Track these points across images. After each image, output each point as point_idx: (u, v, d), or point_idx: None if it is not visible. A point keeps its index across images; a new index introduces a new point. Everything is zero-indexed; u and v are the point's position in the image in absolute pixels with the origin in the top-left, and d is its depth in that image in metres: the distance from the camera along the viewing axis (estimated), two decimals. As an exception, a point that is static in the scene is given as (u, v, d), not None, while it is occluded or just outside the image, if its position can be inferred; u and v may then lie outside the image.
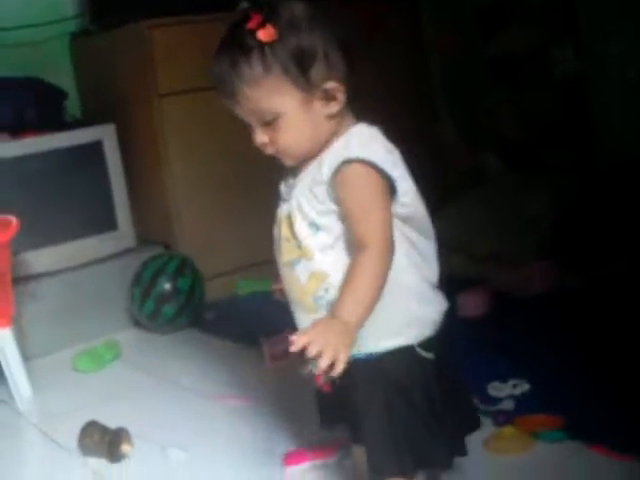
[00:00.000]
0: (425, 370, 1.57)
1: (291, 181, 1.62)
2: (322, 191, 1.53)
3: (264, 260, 1.67)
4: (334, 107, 1.54)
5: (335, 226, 1.54)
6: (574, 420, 2.05)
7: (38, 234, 3.13)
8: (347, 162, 1.49)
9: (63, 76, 3.68)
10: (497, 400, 2.24)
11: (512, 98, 3.88)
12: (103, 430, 2.29)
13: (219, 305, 3.37)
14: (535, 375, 2.32)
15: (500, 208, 3.45)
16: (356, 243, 1.50)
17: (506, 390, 2.28)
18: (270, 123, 1.54)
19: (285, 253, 1.61)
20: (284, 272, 1.63)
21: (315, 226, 1.56)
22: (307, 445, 2.11)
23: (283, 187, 1.64)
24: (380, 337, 1.56)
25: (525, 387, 2.28)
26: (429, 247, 1.60)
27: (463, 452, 1.65)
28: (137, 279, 3.19)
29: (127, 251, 3.41)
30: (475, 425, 1.73)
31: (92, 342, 3.12)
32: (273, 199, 1.67)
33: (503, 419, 2.11)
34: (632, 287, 2.83)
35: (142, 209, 3.49)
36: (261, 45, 1.49)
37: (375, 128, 1.60)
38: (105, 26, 3.53)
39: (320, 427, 1.78)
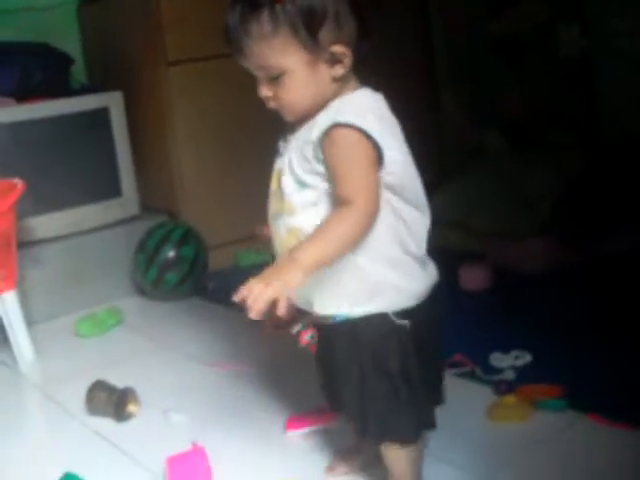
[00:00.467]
0: (401, 338, 1.58)
1: (288, 137, 1.64)
2: (310, 151, 1.55)
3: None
4: (339, 70, 1.56)
5: (320, 185, 1.56)
6: (574, 390, 2.07)
7: (43, 200, 3.13)
8: (336, 126, 1.51)
9: (70, 42, 3.66)
10: (498, 370, 2.26)
11: (517, 75, 3.87)
12: (110, 390, 2.30)
13: (221, 275, 3.37)
14: (536, 346, 2.33)
15: (503, 185, 3.46)
16: (340, 203, 1.52)
17: (508, 361, 2.29)
18: (275, 79, 1.56)
19: (272, 205, 1.65)
20: (270, 224, 1.67)
21: (301, 183, 1.58)
22: (308, 410, 2.13)
23: (281, 143, 1.66)
24: (354, 302, 1.58)
25: (527, 358, 2.30)
26: (419, 219, 1.61)
27: (432, 425, 1.66)
28: (141, 246, 3.20)
29: (131, 218, 3.41)
30: (440, 400, 1.73)
31: (94, 308, 3.13)
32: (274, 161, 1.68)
33: (504, 388, 2.12)
34: (634, 263, 2.85)
35: (147, 177, 3.48)
36: (272, 3, 1.50)
37: (377, 95, 1.62)
38: (113, -8, 3.52)
39: (321, 391, 1.80)
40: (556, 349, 2.32)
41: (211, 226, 3.41)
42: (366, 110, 1.53)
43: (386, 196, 1.54)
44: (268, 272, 1.47)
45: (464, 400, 1.99)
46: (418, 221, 1.60)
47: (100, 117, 3.30)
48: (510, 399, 2.07)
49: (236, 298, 1.45)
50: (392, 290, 1.58)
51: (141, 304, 3.30)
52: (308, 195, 1.57)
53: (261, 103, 1.66)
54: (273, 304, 1.43)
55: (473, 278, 2.89)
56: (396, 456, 1.67)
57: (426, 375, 1.62)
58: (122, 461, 2.07)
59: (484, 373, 2.24)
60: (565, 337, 2.39)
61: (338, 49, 1.53)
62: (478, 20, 3.96)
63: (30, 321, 2.88)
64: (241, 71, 1.64)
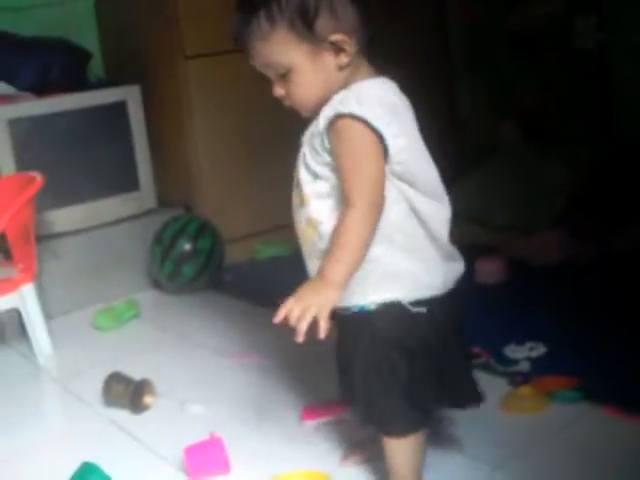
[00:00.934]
0: (416, 328, 1.60)
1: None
2: (318, 142, 1.57)
3: (284, 224, 1.70)
4: (343, 58, 1.57)
5: (331, 176, 1.58)
6: (589, 381, 2.07)
7: (61, 193, 3.16)
8: (340, 116, 1.52)
9: (88, 36, 3.68)
10: (513, 362, 2.26)
11: (533, 68, 3.86)
12: (127, 381, 2.32)
13: (238, 268, 3.39)
14: (551, 338, 2.34)
15: (518, 178, 3.46)
16: (344, 199, 1.53)
17: (523, 352, 2.30)
18: (284, 76, 1.59)
19: (294, 197, 1.67)
20: (294, 216, 1.69)
21: (314, 174, 1.61)
22: (323, 401, 2.14)
23: (303, 137, 1.68)
24: (367, 291, 1.60)
25: (541, 350, 2.30)
26: (435, 209, 1.61)
27: (426, 424, 1.67)
28: (158, 239, 3.21)
29: (148, 212, 3.43)
30: (473, 400, 1.74)
31: (112, 302, 3.16)
32: (295, 164, 1.69)
33: (520, 379, 2.13)
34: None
35: (164, 171, 3.50)
36: (267, 1, 1.54)
37: (388, 83, 1.62)
38: (130, -14, 3.54)
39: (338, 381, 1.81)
40: (571, 340, 2.33)
41: (228, 219, 3.42)
42: (371, 99, 1.54)
43: (399, 186, 1.56)
44: (304, 292, 1.50)
45: (479, 391, 2.00)
46: (434, 211, 1.61)
47: (118, 111, 3.32)
48: (525, 390, 2.07)
49: (276, 320, 1.48)
50: (407, 279, 1.59)
51: (158, 297, 3.32)
52: (321, 186, 1.60)
53: (278, 98, 1.68)
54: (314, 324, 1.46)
55: (488, 271, 2.89)
56: (393, 447, 1.68)
57: (440, 372, 1.64)
58: (140, 451, 2.09)
59: (499, 364, 2.25)
60: (579, 329, 2.40)
61: (338, 37, 1.55)
62: (495, 13, 3.96)
63: (48, 314, 2.91)
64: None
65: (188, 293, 3.24)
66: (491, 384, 2.13)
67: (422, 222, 1.59)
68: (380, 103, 1.54)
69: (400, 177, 1.55)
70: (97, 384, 2.37)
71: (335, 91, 1.58)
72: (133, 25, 3.57)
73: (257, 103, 3.31)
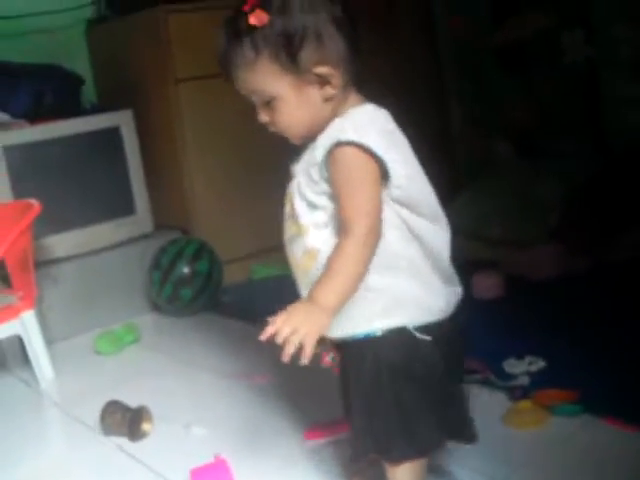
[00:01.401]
0: (421, 355, 1.58)
1: (298, 160, 1.65)
2: (316, 172, 1.56)
3: (279, 245, 1.71)
4: (329, 91, 1.56)
5: (329, 206, 1.57)
6: (588, 393, 2.08)
7: (58, 219, 3.17)
8: (339, 144, 1.51)
9: (80, 62, 3.72)
10: (513, 376, 2.28)
11: (523, 84, 3.89)
12: (124, 409, 2.32)
13: (235, 289, 3.41)
14: (550, 352, 2.35)
15: (512, 193, 3.48)
16: (341, 226, 1.53)
17: (522, 367, 2.31)
18: (269, 103, 1.58)
19: (287, 229, 1.66)
20: (286, 248, 1.67)
21: (312, 205, 1.59)
22: (326, 420, 2.15)
23: (293, 165, 1.67)
24: (372, 317, 1.58)
25: (540, 364, 2.31)
26: (435, 232, 1.61)
27: (425, 452, 1.65)
28: (156, 263, 3.23)
29: (145, 236, 3.45)
30: (468, 438, 1.71)
31: (111, 326, 3.17)
32: (288, 185, 1.69)
33: (519, 394, 2.14)
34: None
35: (159, 194, 3.52)
36: (252, 29, 1.52)
37: (379, 110, 1.61)
38: (121, 12, 3.57)
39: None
40: (569, 354, 2.34)
41: (224, 241, 3.44)
42: (367, 126, 1.53)
43: (398, 210, 1.56)
44: (294, 313, 1.47)
45: (480, 407, 1.98)
46: (434, 234, 1.60)
47: (112, 136, 3.35)
48: (525, 405, 2.09)
49: (262, 337, 1.46)
50: (412, 303, 1.58)
51: (157, 320, 3.34)
52: (319, 216, 1.58)
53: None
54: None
55: (486, 287, 2.91)
56: (395, 472, 1.66)
57: (443, 399, 1.63)
58: (146, 475, 2.09)
59: (499, 379, 2.26)
60: (577, 342, 2.41)
61: (323, 70, 1.53)
62: (483, 29, 3.99)
63: (49, 340, 2.91)
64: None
65: (187, 315, 3.26)
66: (491, 399, 2.16)
67: (424, 246, 1.58)
68: (377, 129, 1.54)
69: (400, 202, 1.55)
70: (98, 409, 2.36)
71: (323, 121, 1.57)
72: (124, 49, 3.60)
73: (250, 125, 3.32)
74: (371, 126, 1.54)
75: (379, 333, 1.58)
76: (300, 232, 1.61)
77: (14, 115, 3.24)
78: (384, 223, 1.54)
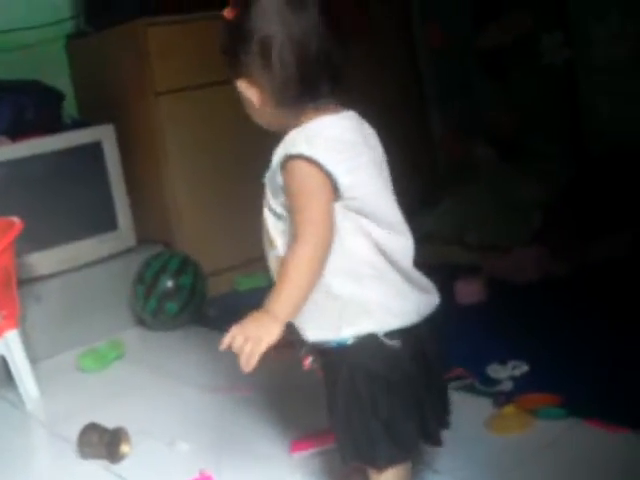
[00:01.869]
0: (389, 361, 1.60)
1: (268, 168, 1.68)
2: (275, 182, 1.59)
3: (263, 256, 1.72)
4: (256, 102, 1.61)
5: (287, 216, 1.60)
6: (573, 397, 2.09)
7: (39, 236, 3.15)
8: (290, 158, 1.54)
9: (60, 77, 3.71)
10: (496, 381, 2.28)
11: (503, 88, 3.90)
12: (101, 431, 2.30)
13: (220, 301, 3.40)
14: (533, 356, 2.36)
15: (493, 197, 3.49)
16: (293, 235, 1.56)
17: (506, 372, 2.31)
18: None
19: (264, 241, 1.69)
20: (267, 258, 1.69)
21: (276, 215, 1.63)
22: (312, 432, 2.15)
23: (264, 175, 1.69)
24: (339, 325, 1.60)
25: (524, 368, 2.32)
26: (395, 241, 1.62)
27: (407, 457, 1.66)
28: (140, 278, 3.23)
29: (128, 251, 3.44)
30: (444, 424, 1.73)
31: (96, 342, 3.16)
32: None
33: (502, 399, 2.14)
34: (625, 270, 2.88)
35: (141, 208, 3.51)
36: (226, 23, 1.60)
37: (345, 120, 1.62)
38: (101, 27, 3.57)
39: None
40: (552, 357, 2.35)
41: (208, 253, 3.44)
42: (319, 138, 1.55)
43: (357, 220, 1.57)
44: (247, 323, 1.53)
45: (464, 413, 1.99)
46: (395, 243, 1.61)
47: (93, 151, 3.34)
48: (509, 410, 2.09)
49: (221, 347, 1.53)
50: (379, 310, 1.59)
51: (142, 335, 3.32)
52: (282, 225, 1.61)
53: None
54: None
55: (468, 292, 2.91)
56: (377, 479, 1.66)
57: (418, 403, 1.64)
58: (131, 493, 2.09)
59: (482, 385, 2.26)
60: (561, 345, 2.42)
61: (241, 84, 1.60)
62: (462, 35, 4.00)
63: (33, 358, 2.89)
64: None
65: (173, 329, 3.25)
66: (475, 405, 2.16)
67: (386, 254, 1.60)
68: (329, 141, 1.55)
69: (357, 211, 1.57)
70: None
71: (276, 124, 1.62)
72: (104, 64, 3.60)
73: (231, 137, 3.36)
74: (322, 139, 1.55)
75: (350, 342, 1.60)
76: (272, 244, 1.64)
77: (-5, 132, 3.24)
78: (345, 232, 1.57)
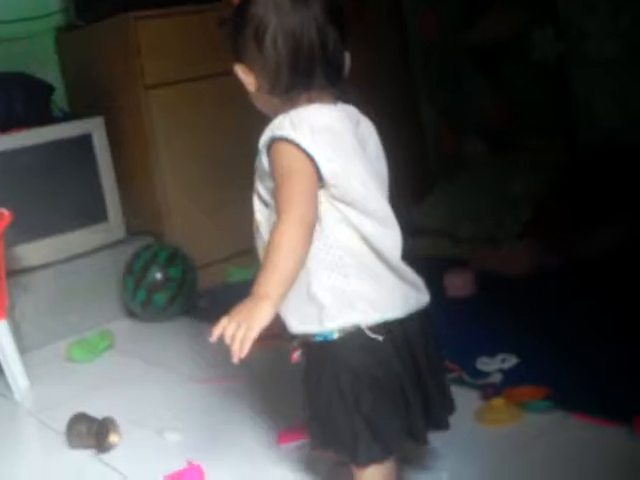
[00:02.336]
0: (372, 354, 1.58)
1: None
2: (261, 167, 1.61)
3: (254, 248, 1.71)
4: (250, 86, 1.64)
5: (272, 201, 1.61)
6: (560, 390, 2.09)
7: (29, 228, 3.15)
8: (275, 140, 1.55)
9: (50, 70, 3.71)
10: (485, 374, 2.28)
11: (494, 81, 3.90)
12: (90, 421, 2.30)
13: (211, 293, 3.40)
14: (523, 349, 2.36)
15: (484, 190, 3.50)
16: (277, 216, 1.55)
17: (495, 364, 2.32)
18: None
19: (254, 227, 1.69)
20: (256, 244, 1.70)
21: (263, 201, 1.64)
22: (300, 422, 2.15)
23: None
24: (322, 317, 1.58)
25: (513, 361, 2.32)
26: (381, 232, 1.60)
27: (389, 453, 1.63)
28: (129, 269, 3.23)
29: (117, 242, 3.44)
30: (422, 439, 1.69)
31: (86, 333, 3.17)
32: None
33: (491, 392, 2.14)
34: (615, 265, 2.88)
35: (131, 200, 3.51)
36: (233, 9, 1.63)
37: (332, 110, 1.62)
38: (90, 20, 3.56)
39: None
40: (542, 350, 2.35)
41: (198, 245, 3.44)
42: (303, 123, 1.55)
43: (342, 209, 1.57)
44: (237, 310, 1.49)
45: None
46: (381, 234, 1.59)
47: (83, 143, 3.34)
48: (498, 402, 2.08)
49: (211, 339, 1.48)
50: (363, 301, 1.58)
51: (132, 326, 3.33)
52: (268, 213, 1.62)
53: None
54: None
55: (458, 285, 2.91)
56: (362, 475, 1.65)
57: (404, 401, 1.62)
58: (120, 483, 2.09)
59: (471, 378, 2.27)
60: (550, 338, 2.42)
61: (238, 68, 1.63)
62: (454, 28, 4.00)
63: (22, 349, 2.90)
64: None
65: (162, 320, 3.25)
66: (465, 398, 2.14)
67: (372, 245, 1.59)
68: (315, 128, 1.55)
69: (341, 200, 1.56)
70: (73, 417, 2.37)
71: (272, 110, 1.63)
72: (94, 57, 3.59)
73: (220, 129, 3.35)
74: (307, 124, 1.55)
75: (335, 336, 1.59)
76: (258, 229, 1.65)
77: (-16, 124, 3.23)
78: (330, 222, 1.57)
